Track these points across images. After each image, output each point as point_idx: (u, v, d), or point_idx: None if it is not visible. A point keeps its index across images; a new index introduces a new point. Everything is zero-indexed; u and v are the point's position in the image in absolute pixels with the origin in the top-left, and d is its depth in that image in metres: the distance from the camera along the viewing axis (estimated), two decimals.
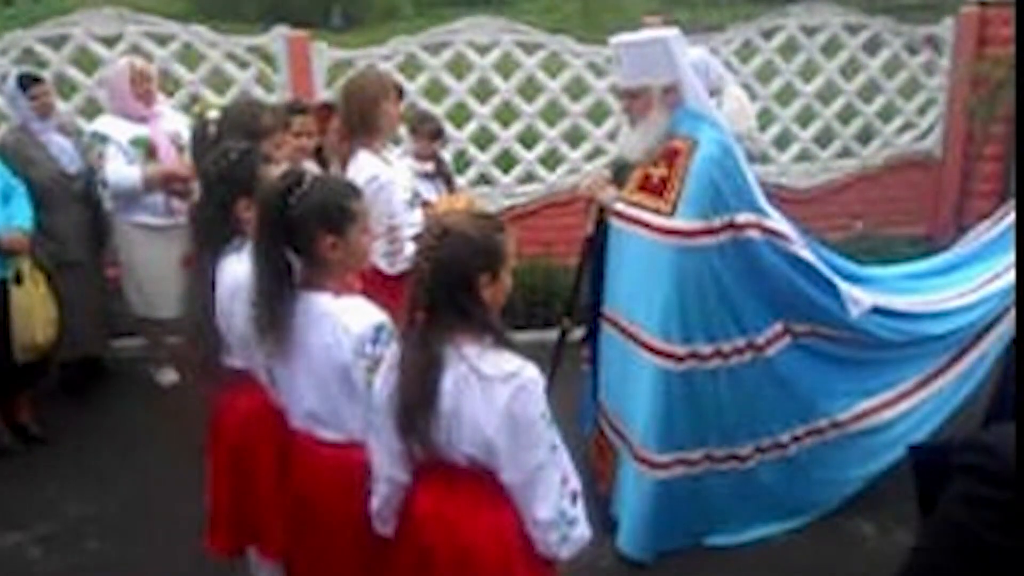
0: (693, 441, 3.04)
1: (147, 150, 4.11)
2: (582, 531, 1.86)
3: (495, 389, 1.74)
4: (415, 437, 1.81)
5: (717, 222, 2.86)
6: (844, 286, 3.09)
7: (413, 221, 3.18)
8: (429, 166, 4.21)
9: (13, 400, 3.98)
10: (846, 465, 3.25)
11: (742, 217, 2.88)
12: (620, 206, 3.06)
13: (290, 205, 1.97)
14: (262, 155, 2.43)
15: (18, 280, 3.74)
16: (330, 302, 2.02)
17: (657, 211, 2.92)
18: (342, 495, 2.03)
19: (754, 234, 2.90)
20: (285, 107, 3.57)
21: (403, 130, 4.99)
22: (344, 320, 1.99)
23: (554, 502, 1.80)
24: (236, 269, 2.26)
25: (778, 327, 3.04)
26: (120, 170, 4.05)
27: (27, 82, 4.02)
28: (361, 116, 3.18)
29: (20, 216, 3.76)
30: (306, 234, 1.99)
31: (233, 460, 2.42)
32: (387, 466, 1.92)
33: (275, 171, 2.39)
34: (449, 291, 1.76)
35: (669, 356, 2.93)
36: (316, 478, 2.12)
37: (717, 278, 2.90)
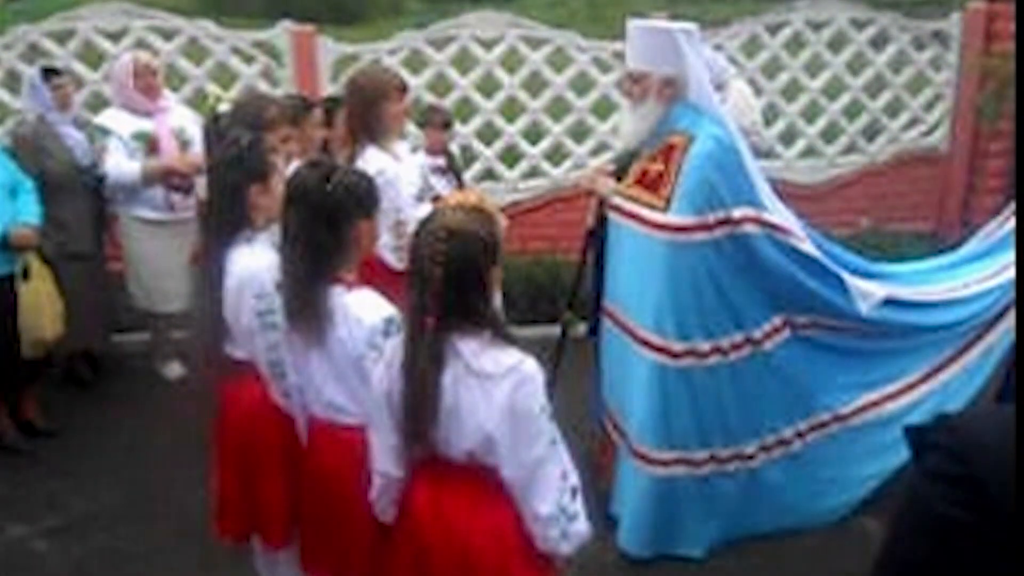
0: (697, 441, 3.02)
1: (149, 144, 4.12)
2: (582, 527, 1.85)
3: (495, 385, 1.74)
4: (416, 436, 1.81)
5: (711, 218, 2.85)
6: (852, 280, 3.07)
7: (420, 216, 3.17)
8: (441, 160, 4.21)
9: (18, 395, 3.99)
10: (852, 462, 3.22)
11: (739, 212, 2.87)
12: (617, 200, 3.06)
13: (329, 192, 2.01)
14: (270, 146, 2.44)
15: (26, 275, 3.75)
16: (343, 294, 2.05)
17: (652, 206, 2.92)
18: (358, 474, 2.03)
19: (752, 229, 2.89)
20: (297, 102, 3.56)
21: (410, 125, 5.02)
22: (356, 312, 2.02)
23: (554, 497, 1.79)
24: (247, 261, 2.28)
25: (777, 321, 3.04)
26: (120, 164, 4.07)
27: (49, 74, 4.09)
28: (362, 117, 3.18)
29: (27, 212, 3.77)
30: (345, 219, 2.04)
31: (239, 451, 2.43)
32: (383, 461, 1.92)
33: (282, 163, 2.42)
34: (462, 292, 1.74)
35: (665, 352, 2.92)
36: (333, 459, 2.14)
37: (712, 274, 2.90)
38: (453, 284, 1.72)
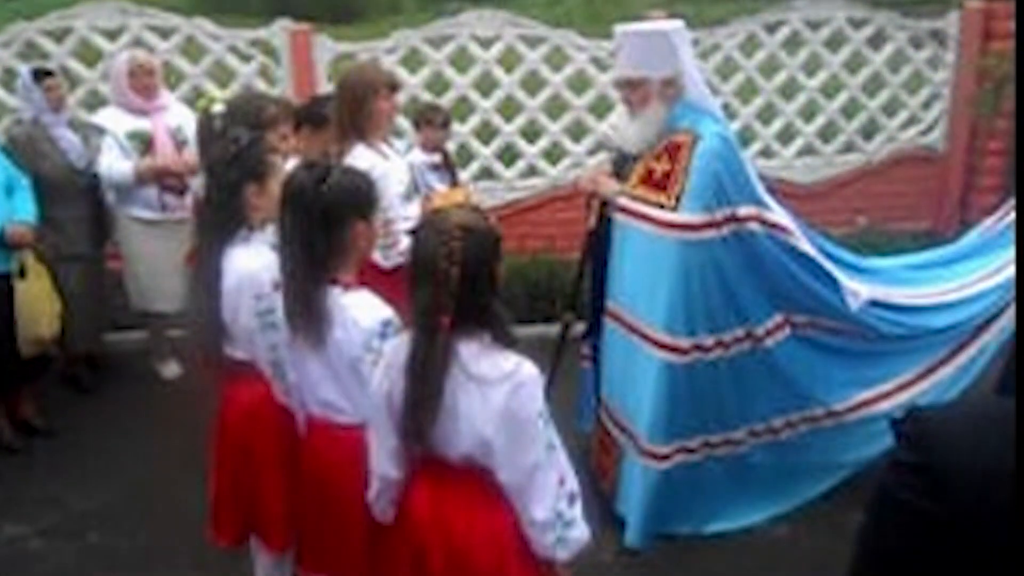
0: (693, 429, 3.06)
1: (144, 144, 4.11)
2: (580, 533, 1.84)
3: (492, 389, 1.73)
4: (416, 435, 1.81)
5: (719, 215, 2.86)
6: (844, 279, 3.09)
7: (408, 215, 3.18)
8: (437, 157, 4.22)
9: (15, 394, 3.99)
10: (837, 451, 3.26)
11: (744, 210, 2.89)
12: (623, 200, 3.05)
13: (324, 193, 1.99)
14: (269, 146, 2.43)
15: (22, 274, 3.75)
16: (341, 296, 2.04)
17: (660, 205, 2.91)
18: (355, 473, 2.03)
19: (755, 227, 2.91)
20: (299, 107, 3.55)
21: (406, 123, 5.01)
22: (353, 314, 2.01)
23: (550, 503, 1.78)
24: (245, 262, 2.27)
25: (778, 318, 3.05)
26: (113, 163, 4.06)
27: (40, 75, 4.06)
28: (351, 114, 3.17)
29: (23, 209, 3.77)
30: (341, 221, 2.02)
31: (236, 452, 2.42)
32: (382, 463, 1.92)
33: (281, 163, 2.40)
34: (478, 290, 1.74)
35: (674, 350, 2.93)
36: (331, 458, 2.13)
37: (720, 270, 2.91)
38: (470, 282, 1.72)
